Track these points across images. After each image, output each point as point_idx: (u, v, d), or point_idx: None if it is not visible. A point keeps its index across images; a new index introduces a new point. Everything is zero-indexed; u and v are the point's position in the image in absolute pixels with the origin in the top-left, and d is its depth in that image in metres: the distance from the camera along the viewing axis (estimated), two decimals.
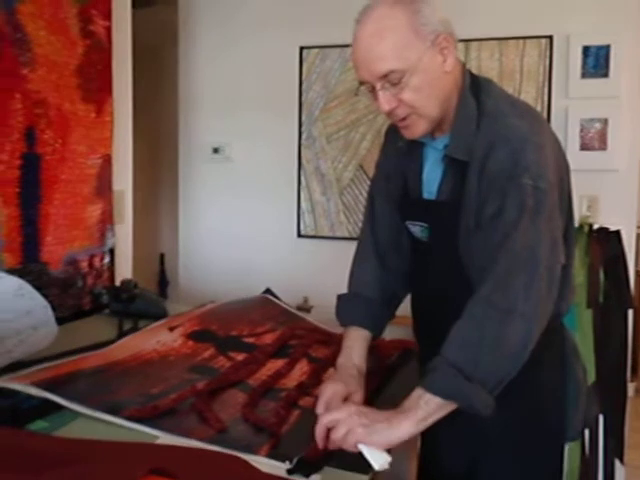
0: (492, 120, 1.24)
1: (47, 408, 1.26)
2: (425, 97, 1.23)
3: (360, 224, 1.65)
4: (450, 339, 1.17)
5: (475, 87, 1.29)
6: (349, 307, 1.48)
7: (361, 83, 1.26)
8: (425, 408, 1.12)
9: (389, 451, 1.12)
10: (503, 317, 1.14)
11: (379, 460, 1.09)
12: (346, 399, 1.26)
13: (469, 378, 1.11)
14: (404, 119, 1.26)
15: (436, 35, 1.21)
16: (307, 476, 1.06)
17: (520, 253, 1.16)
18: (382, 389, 1.49)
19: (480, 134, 1.24)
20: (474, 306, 1.17)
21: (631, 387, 2.89)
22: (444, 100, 1.26)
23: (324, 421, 1.13)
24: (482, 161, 1.22)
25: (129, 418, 1.22)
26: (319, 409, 1.24)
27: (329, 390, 1.26)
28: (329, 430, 1.13)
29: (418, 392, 1.14)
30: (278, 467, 1.07)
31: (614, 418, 2.54)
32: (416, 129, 1.28)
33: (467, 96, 1.28)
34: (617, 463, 2.58)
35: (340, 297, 1.51)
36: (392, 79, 1.20)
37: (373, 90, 1.24)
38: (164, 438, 1.17)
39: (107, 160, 2.20)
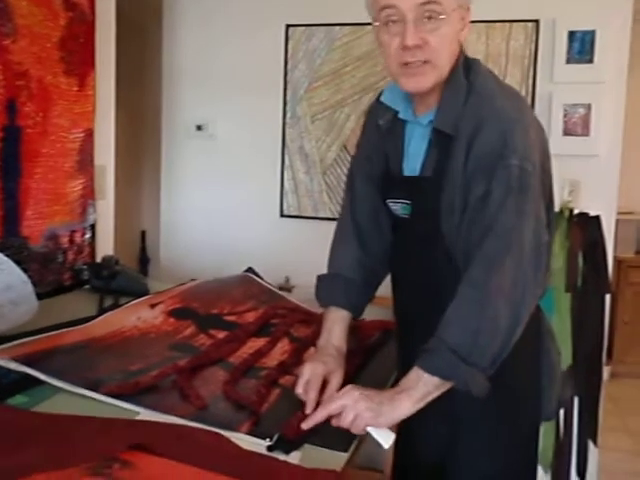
0: (481, 99, 1.25)
1: (27, 383, 1.25)
2: (446, 50, 1.24)
3: None
4: (446, 321, 1.18)
5: (465, 65, 1.30)
6: (329, 288, 1.48)
7: (385, 8, 1.21)
8: (424, 388, 1.15)
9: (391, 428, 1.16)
10: (494, 299, 1.16)
11: (387, 439, 1.14)
12: (325, 379, 1.28)
13: (465, 360, 1.14)
14: (419, 65, 1.23)
15: (466, 0, 1.25)
16: (287, 453, 1.07)
17: (507, 235, 1.18)
18: (363, 368, 1.50)
19: (468, 111, 1.25)
20: (468, 289, 1.19)
21: (606, 371, 2.94)
22: (452, 61, 1.27)
23: (328, 410, 1.15)
24: (469, 138, 1.22)
25: (109, 394, 1.22)
26: (298, 389, 1.25)
27: (308, 370, 1.28)
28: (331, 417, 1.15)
29: (416, 372, 1.16)
30: (258, 444, 1.08)
31: (589, 401, 2.58)
32: (425, 80, 1.25)
33: (459, 72, 1.28)
34: (591, 445, 2.63)
35: (320, 278, 1.51)
36: (432, 10, 1.19)
37: (397, 21, 1.21)
38: (145, 414, 1.17)
39: (89, 134, 2.18)
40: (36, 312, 1.50)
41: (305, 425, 1.14)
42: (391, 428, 1.15)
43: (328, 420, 1.15)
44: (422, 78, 1.26)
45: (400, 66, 1.26)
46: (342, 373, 1.31)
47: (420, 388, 1.15)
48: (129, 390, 1.24)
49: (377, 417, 1.13)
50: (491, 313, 1.16)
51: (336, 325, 1.41)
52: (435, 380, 1.15)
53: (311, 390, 1.24)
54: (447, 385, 1.16)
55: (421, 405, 1.15)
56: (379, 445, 1.13)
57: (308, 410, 1.20)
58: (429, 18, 1.20)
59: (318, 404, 1.21)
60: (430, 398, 1.16)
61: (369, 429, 1.13)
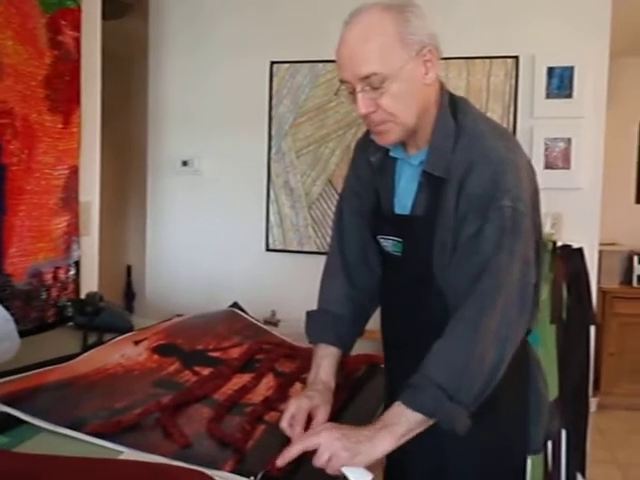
0: (471, 140, 1.26)
1: (8, 423, 1.23)
2: (403, 105, 1.23)
3: (328, 238, 1.66)
4: (433, 358, 1.18)
5: (453, 106, 1.31)
6: (317, 324, 1.48)
7: (342, 82, 1.26)
8: (406, 424, 1.13)
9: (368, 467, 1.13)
10: (483, 339, 1.16)
11: (364, 479, 1.10)
12: (311, 414, 1.27)
13: (451, 397, 1.13)
14: (379, 125, 1.26)
15: (422, 46, 1.22)
16: None
17: (499, 276, 1.18)
18: (349, 403, 1.49)
19: (458, 152, 1.26)
20: (459, 326, 1.19)
21: (593, 402, 2.94)
22: (421, 112, 1.27)
23: (303, 447, 1.13)
24: (460, 181, 1.23)
25: (92, 433, 1.21)
26: (283, 423, 1.24)
27: (293, 405, 1.27)
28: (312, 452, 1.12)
29: (399, 408, 1.15)
30: None
31: (576, 433, 2.57)
32: (389, 136, 1.28)
33: (446, 113, 1.29)
34: (579, 478, 2.61)
35: (309, 314, 1.50)
36: (373, 82, 1.20)
37: (353, 92, 1.24)
38: (128, 454, 1.15)
39: (74, 171, 2.18)
40: (19, 350, 1.49)
41: (280, 461, 1.11)
42: (370, 468, 1.12)
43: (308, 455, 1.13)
44: (387, 135, 1.28)
45: (368, 126, 1.31)
46: (328, 408, 1.30)
47: (403, 424, 1.13)
48: (112, 429, 1.22)
49: (354, 457, 1.10)
50: (479, 352, 1.16)
51: (325, 361, 1.40)
52: (418, 417, 1.14)
53: (296, 425, 1.23)
54: (430, 422, 1.15)
55: (402, 441, 1.14)
56: None
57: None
58: (374, 88, 1.21)
59: None
60: (411, 435, 1.15)
61: (344, 470, 1.10)
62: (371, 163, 1.43)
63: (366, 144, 1.43)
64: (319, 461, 1.11)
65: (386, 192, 1.40)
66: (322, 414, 1.27)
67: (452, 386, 1.14)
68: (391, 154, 1.39)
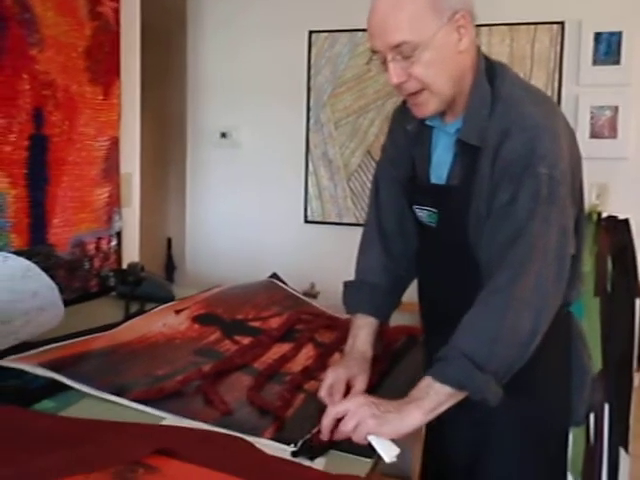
0: (507, 106, 1.22)
1: (54, 388, 1.26)
2: (436, 74, 1.20)
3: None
4: (463, 328, 1.16)
5: (490, 71, 1.27)
6: (355, 295, 1.47)
7: (373, 52, 1.24)
8: (435, 398, 1.11)
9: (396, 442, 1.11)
10: (516, 307, 1.14)
11: (389, 452, 1.08)
12: (349, 383, 1.27)
13: (481, 368, 1.11)
14: (415, 95, 1.23)
15: (454, 12, 1.18)
16: (311, 459, 1.06)
17: (534, 243, 1.15)
18: (388, 374, 1.49)
19: (494, 120, 1.22)
20: (489, 295, 1.17)
21: (637, 377, 2.88)
22: (456, 80, 1.23)
23: (333, 412, 1.12)
24: (496, 148, 1.20)
25: (135, 399, 1.23)
26: (321, 392, 1.25)
27: (331, 374, 1.27)
28: (338, 420, 1.11)
29: (427, 381, 1.13)
30: (283, 450, 1.08)
31: (620, 407, 2.53)
32: (427, 107, 1.25)
33: (482, 80, 1.25)
34: (622, 452, 2.58)
35: (346, 284, 1.50)
36: (404, 51, 1.17)
37: (385, 62, 1.21)
38: (170, 420, 1.17)
39: (114, 143, 2.20)
40: (63, 318, 1.51)
41: (323, 436, 1.11)
42: (398, 443, 1.10)
43: None
44: (423, 107, 1.25)
45: (404, 97, 1.28)
46: (366, 378, 1.30)
47: (431, 398, 1.11)
48: (154, 395, 1.24)
49: (381, 425, 1.09)
50: (511, 321, 1.14)
51: (362, 331, 1.40)
52: (447, 389, 1.11)
53: (336, 393, 1.23)
54: (461, 395, 1.12)
55: (432, 416, 1.12)
56: (380, 458, 1.09)
57: None
58: (405, 57, 1.18)
59: None
60: (442, 408, 1.12)
61: (370, 438, 1.08)
62: (408, 132, 1.40)
63: (403, 112, 1.41)
64: (345, 427, 1.10)
65: (422, 161, 1.38)
66: (360, 383, 1.27)
67: (482, 356, 1.11)
68: (427, 122, 1.36)
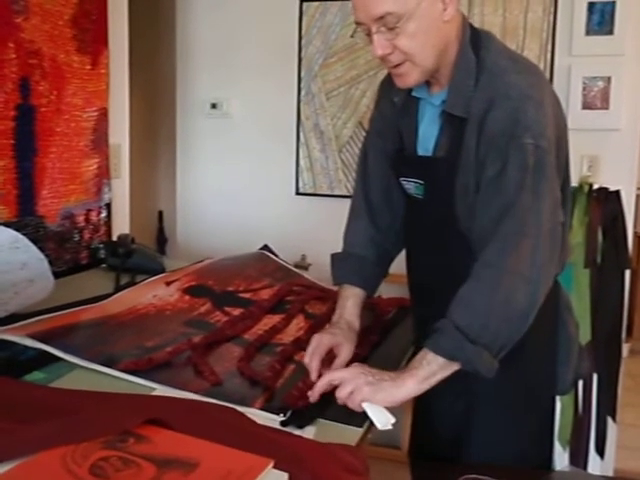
0: (491, 76, 1.22)
1: (44, 359, 1.26)
2: (420, 45, 1.19)
3: None
4: (457, 302, 1.17)
5: (475, 41, 1.26)
6: (342, 266, 1.48)
7: (357, 24, 1.22)
8: (428, 368, 1.13)
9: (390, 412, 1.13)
10: (510, 282, 1.15)
11: (382, 420, 1.10)
12: (333, 351, 1.28)
13: (474, 341, 1.12)
14: (397, 66, 1.22)
15: None
16: (301, 427, 1.07)
17: (524, 218, 1.16)
18: (379, 345, 1.50)
19: (479, 90, 1.22)
20: (481, 269, 1.17)
21: (625, 347, 2.91)
22: (441, 50, 1.22)
23: (328, 379, 1.15)
24: (481, 119, 1.20)
25: (125, 370, 1.23)
26: (305, 358, 1.26)
27: (314, 340, 1.28)
28: (334, 388, 1.14)
29: (423, 352, 1.16)
30: (272, 419, 1.08)
31: (608, 377, 2.56)
32: (409, 78, 1.24)
33: (467, 50, 1.24)
34: (610, 421, 2.61)
35: (333, 256, 1.51)
36: (388, 22, 1.16)
37: (370, 33, 1.20)
38: (160, 390, 1.17)
39: (103, 113, 2.17)
40: (52, 290, 1.51)
41: (312, 397, 1.14)
42: (393, 412, 1.13)
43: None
44: (406, 77, 1.24)
45: (387, 68, 1.27)
46: (351, 347, 1.31)
47: (424, 367, 1.14)
48: (144, 366, 1.24)
49: (375, 392, 1.11)
50: (504, 295, 1.15)
51: (348, 301, 1.41)
52: (440, 360, 1.14)
53: (315, 356, 1.25)
54: (454, 366, 1.14)
55: (426, 386, 1.14)
56: (372, 424, 1.11)
57: (312, 377, 1.21)
58: (389, 29, 1.17)
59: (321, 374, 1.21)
60: (435, 379, 1.14)
61: (365, 405, 1.11)
62: (394, 103, 1.39)
63: (390, 84, 1.40)
64: (341, 393, 1.12)
65: (409, 133, 1.37)
66: (344, 353, 1.28)
67: (474, 329, 1.13)
68: (414, 94, 1.35)
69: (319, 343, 1.27)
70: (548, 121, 1.19)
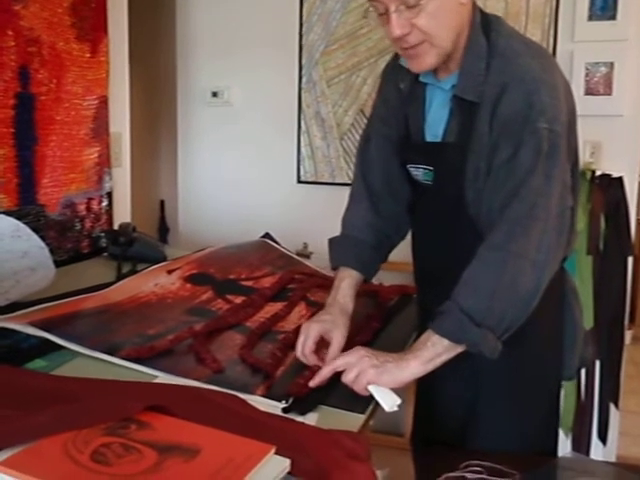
0: (504, 60, 1.21)
1: (46, 347, 1.26)
2: (440, 25, 1.18)
3: None
4: (462, 284, 1.17)
5: (485, 25, 1.25)
6: (339, 248, 1.46)
7: (371, 2, 1.20)
8: (432, 349, 1.14)
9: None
10: (516, 265, 1.15)
11: (389, 402, 1.11)
12: (326, 339, 1.27)
13: (477, 323, 1.12)
14: (415, 47, 1.20)
15: None
16: (303, 414, 1.07)
17: (534, 200, 1.15)
18: (381, 332, 1.50)
19: (491, 74, 1.21)
20: (487, 252, 1.17)
21: (628, 334, 2.91)
22: (457, 33, 1.21)
23: (333, 366, 1.15)
24: (494, 103, 1.19)
25: (126, 358, 1.23)
26: (297, 353, 1.25)
27: (303, 333, 1.27)
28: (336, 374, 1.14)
29: (427, 334, 1.16)
30: (274, 406, 1.08)
31: (610, 364, 2.56)
32: (425, 61, 1.22)
33: (477, 34, 1.23)
34: (612, 408, 2.62)
35: (331, 240, 1.49)
36: (409, 1, 1.14)
37: (385, 13, 1.18)
38: (162, 378, 1.17)
39: (103, 101, 2.16)
40: (54, 279, 1.51)
41: (312, 383, 1.14)
42: (399, 393, 1.13)
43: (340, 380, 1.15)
44: (423, 59, 1.22)
45: (401, 50, 1.24)
46: (343, 332, 1.28)
47: (429, 349, 1.14)
48: (145, 353, 1.24)
49: (380, 375, 1.12)
50: (510, 278, 1.14)
51: (343, 282, 1.39)
52: (444, 342, 1.14)
53: (306, 351, 1.24)
54: (458, 348, 1.15)
55: (430, 367, 1.14)
56: (380, 407, 1.12)
57: (313, 366, 1.21)
58: (409, 7, 1.15)
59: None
60: (440, 360, 1.14)
61: (371, 388, 1.12)
62: (400, 90, 1.38)
63: (395, 70, 1.38)
64: (346, 377, 1.13)
65: (416, 120, 1.36)
66: (337, 338, 1.26)
67: (479, 312, 1.13)
68: (421, 79, 1.34)
69: (307, 335, 1.26)
70: (561, 105, 1.19)
